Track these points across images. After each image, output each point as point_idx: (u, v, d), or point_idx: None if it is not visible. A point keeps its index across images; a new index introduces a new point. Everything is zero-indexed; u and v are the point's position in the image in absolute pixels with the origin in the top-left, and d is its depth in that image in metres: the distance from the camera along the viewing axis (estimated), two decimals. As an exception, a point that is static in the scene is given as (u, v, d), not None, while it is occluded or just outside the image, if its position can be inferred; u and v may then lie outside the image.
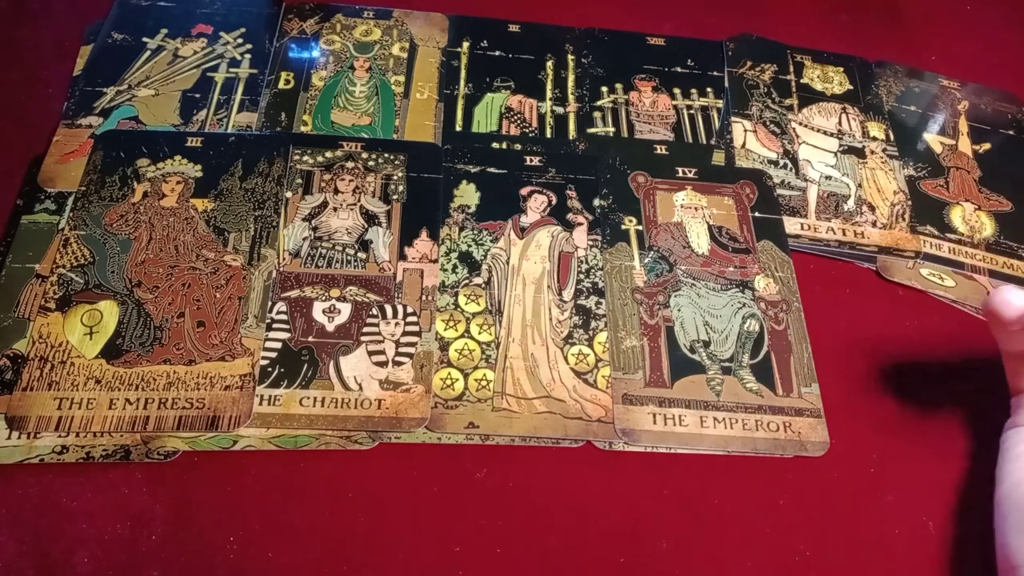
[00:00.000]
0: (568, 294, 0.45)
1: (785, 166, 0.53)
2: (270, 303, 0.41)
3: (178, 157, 0.46)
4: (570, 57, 0.57)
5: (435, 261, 0.45)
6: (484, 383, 0.41)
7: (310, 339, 0.41)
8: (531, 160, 0.50)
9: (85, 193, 0.44)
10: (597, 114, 0.54)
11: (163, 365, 0.39)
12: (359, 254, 0.44)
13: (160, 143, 0.46)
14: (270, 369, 0.40)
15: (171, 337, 0.39)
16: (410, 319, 0.42)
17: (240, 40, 0.54)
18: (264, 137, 0.48)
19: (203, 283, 0.41)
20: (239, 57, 0.53)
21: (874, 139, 0.55)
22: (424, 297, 0.43)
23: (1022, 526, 0.33)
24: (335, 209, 0.46)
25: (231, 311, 0.40)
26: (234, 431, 0.37)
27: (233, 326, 0.40)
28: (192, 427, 0.37)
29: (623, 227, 0.48)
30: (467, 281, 0.44)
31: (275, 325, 0.41)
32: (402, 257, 0.44)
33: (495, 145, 0.51)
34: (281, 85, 0.52)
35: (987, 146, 0.57)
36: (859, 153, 0.54)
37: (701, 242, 0.48)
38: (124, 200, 0.44)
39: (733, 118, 0.55)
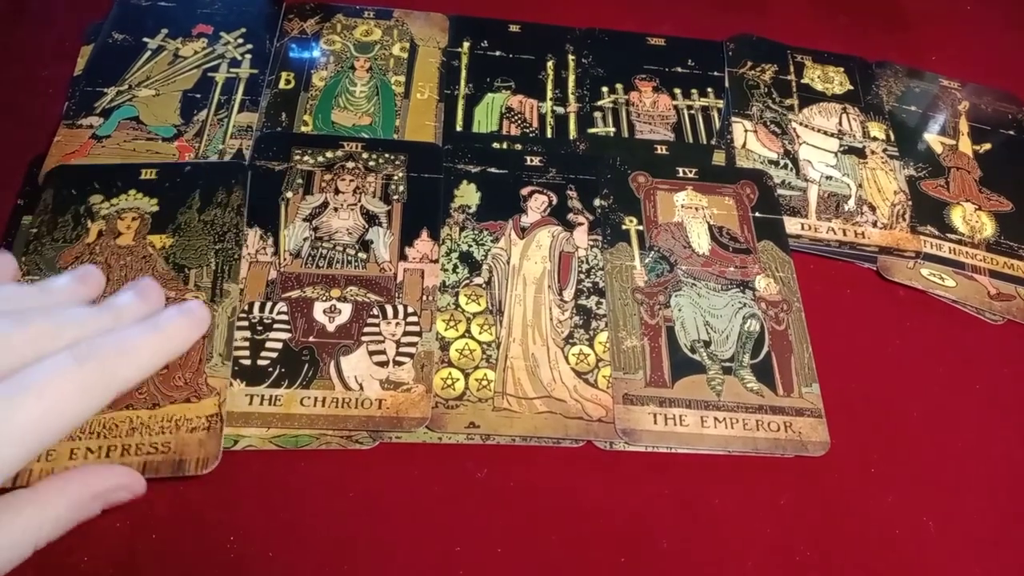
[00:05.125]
0: (569, 294, 0.45)
1: (786, 166, 0.53)
2: (236, 335, 0.40)
3: (133, 191, 0.44)
4: (570, 57, 0.57)
5: (436, 261, 0.45)
6: (485, 383, 0.41)
7: (311, 339, 0.41)
8: (531, 160, 0.50)
9: (37, 235, 0.42)
10: (597, 114, 0.54)
11: (125, 411, 0.37)
12: (360, 254, 0.44)
13: (113, 177, 0.45)
14: (271, 369, 0.40)
15: None
16: (411, 319, 0.42)
17: (240, 40, 0.54)
18: (221, 165, 0.47)
19: None
20: (239, 57, 0.53)
21: (874, 139, 0.55)
22: (425, 297, 0.43)
23: None
24: (336, 209, 0.46)
25: (195, 350, 0.39)
26: (202, 472, 0.36)
27: (198, 366, 0.39)
28: (157, 471, 0.36)
29: (624, 227, 0.48)
30: (468, 281, 0.44)
31: (276, 325, 0.41)
32: (403, 257, 0.44)
33: (496, 145, 0.51)
34: (282, 85, 0.52)
35: (987, 146, 0.57)
36: (859, 153, 0.54)
37: (702, 242, 0.48)
38: (78, 241, 0.42)
39: (734, 118, 0.55)
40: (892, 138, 0.55)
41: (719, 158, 0.53)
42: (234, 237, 0.42)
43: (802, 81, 0.58)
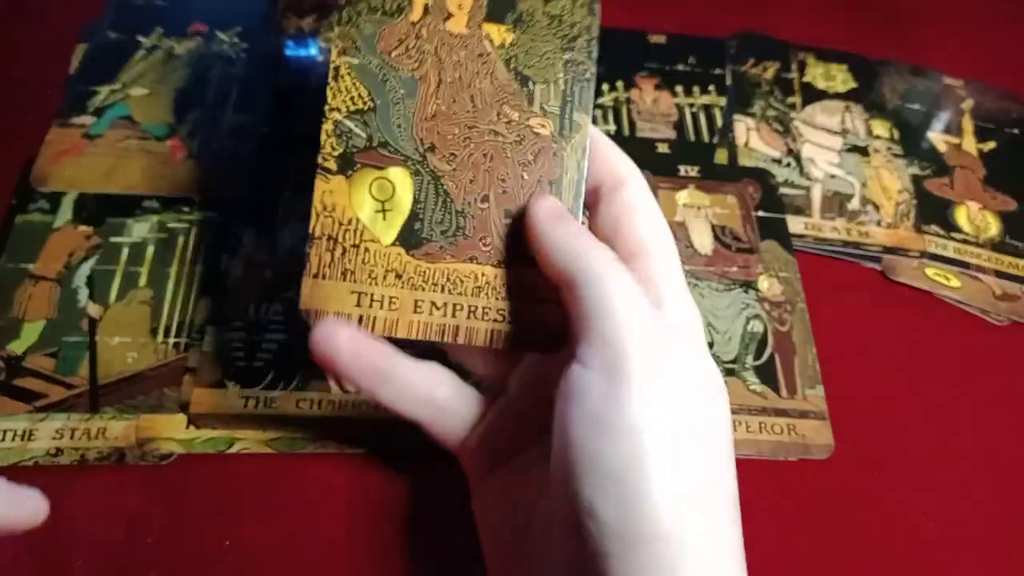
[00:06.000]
0: (569, 294, 0.44)
1: (789, 165, 0.52)
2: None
3: None
4: (571, 55, 0.56)
5: (434, 261, 0.44)
6: (484, 385, 0.41)
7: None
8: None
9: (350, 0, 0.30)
10: (598, 112, 0.53)
11: (470, 264, 0.30)
12: (357, 254, 0.44)
13: None
14: (266, 371, 0.39)
15: (476, 228, 0.30)
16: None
17: (236, 39, 0.53)
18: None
19: (507, 156, 0.30)
20: (234, 56, 0.52)
21: (878, 138, 0.55)
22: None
23: (599, 483, 0.25)
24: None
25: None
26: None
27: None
28: (503, 342, 0.30)
29: (624, 227, 0.47)
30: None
31: (272, 326, 0.41)
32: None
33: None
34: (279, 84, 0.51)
35: (992, 145, 0.56)
36: (863, 152, 0.54)
37: (704, 242, 0.47)
38: (400, 16, 0.30)
39: (736, 116, 0.54)
40: (896, 136, 0.55)
41: (721, 157, 0.52)
42: (586, 45, 0.31)
43: (805, 79, 0.57)
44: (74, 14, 0.54)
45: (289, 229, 0.44)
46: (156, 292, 0.42)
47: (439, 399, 0.32)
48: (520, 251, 0.30)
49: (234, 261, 0.43)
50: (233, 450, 0.38)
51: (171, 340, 0.40)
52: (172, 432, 0.38)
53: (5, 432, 0.37)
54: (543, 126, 0.30)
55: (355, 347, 0.29)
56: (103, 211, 0.44)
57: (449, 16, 0.30)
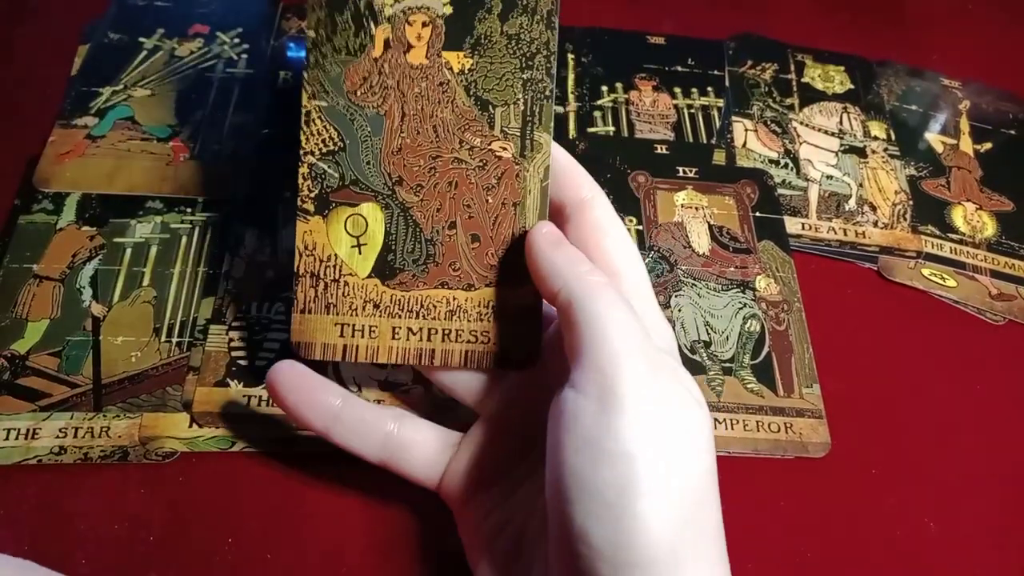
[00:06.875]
0: (568, 294, 0.44)
1: (786, 166, 0.52)
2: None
3: None
4: (570, 56, 0.56)
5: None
6: (484, 384, 0.41)
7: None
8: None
9: (316, 41, 0.31)
10: (597, 113, 0.54)
11: (441, 289, 0.32)
12: (358, 254, 0.44)
13: None
14: (268, 370, 0.39)
15: (445, 254, 0.32)
16: (409, 320, 0.42)
17: (237, 40, 0.53)
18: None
19: (471, 182, 0.32)
20: (236, 57, 0.52)
21: (875, 139, 0.55)
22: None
23: (592, 509, 0.25)
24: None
25: (507, 222, 0.32)
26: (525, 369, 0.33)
27: (510, 242, 0.32)
28: (477, 362, 0.33)
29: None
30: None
31: (274, 326, 0.41)
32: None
33: (495, 144, 0.51)
34: (279, 84, 0.52)
35: (988, 146, 0.57)
36: (860, 152, 0.54)
37: (702, 242, 0.48)
38: (363, 54, 0.31)
39: (734, 117, 0.54)
40: (893, 137, 0.55)
41: (719, 157, 0.52)
42: (545, 62, 0.32)
43: (802, 80, 0.58)
44: (75, 14, 0.54)
45: (290, 229, 0.44)
46: (159, 292, 0.42)
47: (399, 438, 0.32)
48: (489, 273, 0.32)
49: (236, 261, 0.43)
50: (235, 449, 0.38)
51: (174, 339, 0.40)
52: (175, 431, 0.38)
53: (9, 431, 0.37)
54: (505, 149, 0.31)
55: (302, 384, 0.32)
56: (106, 212, 0.44)
57: (409, 48, 0.31)
